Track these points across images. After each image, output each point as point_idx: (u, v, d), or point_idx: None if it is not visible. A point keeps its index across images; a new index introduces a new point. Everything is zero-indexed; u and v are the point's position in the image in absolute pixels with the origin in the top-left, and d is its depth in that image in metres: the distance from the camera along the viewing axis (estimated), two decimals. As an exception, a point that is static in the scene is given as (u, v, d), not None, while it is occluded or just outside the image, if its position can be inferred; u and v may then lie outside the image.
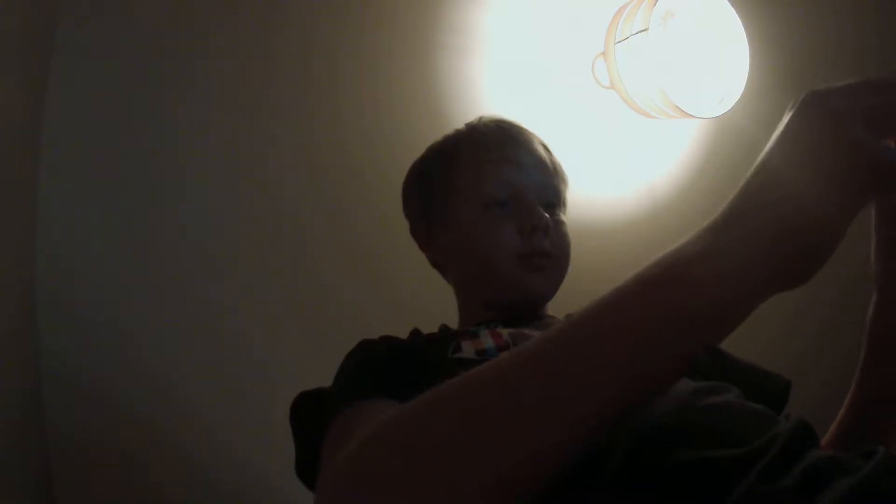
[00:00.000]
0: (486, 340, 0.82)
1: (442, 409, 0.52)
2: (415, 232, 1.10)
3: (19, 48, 1.24)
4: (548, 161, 1.03)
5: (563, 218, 1.03)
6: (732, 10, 1.69)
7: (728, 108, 1.68)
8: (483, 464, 0.49)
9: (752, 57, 1.70)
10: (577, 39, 1.73)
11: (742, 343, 1.01)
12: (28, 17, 1.26)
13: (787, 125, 0.52)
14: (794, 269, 0.48)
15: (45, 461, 1.35)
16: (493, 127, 1.05)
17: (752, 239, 0.48)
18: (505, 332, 0.84)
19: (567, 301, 1.03)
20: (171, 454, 1.44)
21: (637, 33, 1.59)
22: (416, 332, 0.95)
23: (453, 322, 1.03)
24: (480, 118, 1.09)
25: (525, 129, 1.05)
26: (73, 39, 1.37)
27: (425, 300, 1.35)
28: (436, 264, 1.09)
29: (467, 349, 0.81)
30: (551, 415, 0.49)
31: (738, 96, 1.68)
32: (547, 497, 0.57)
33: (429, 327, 0.99)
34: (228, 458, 1.46)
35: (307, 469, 0.80)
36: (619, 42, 1.65)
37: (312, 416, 0.74)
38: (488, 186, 0.97)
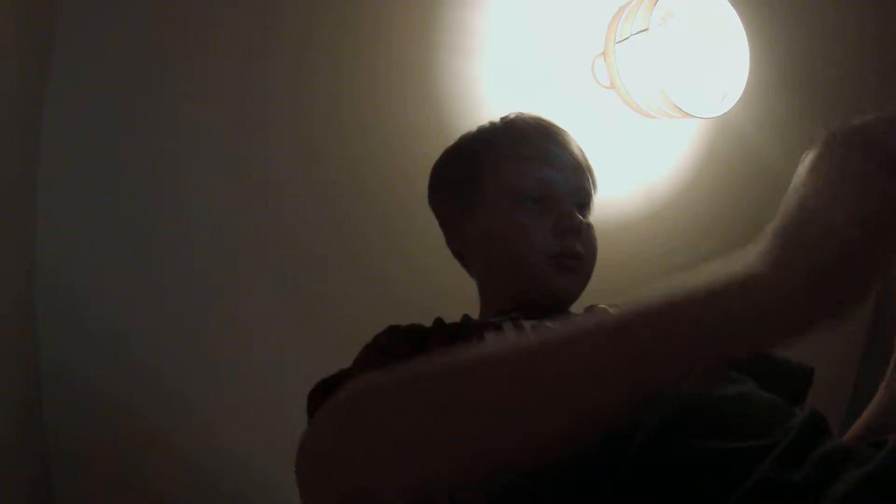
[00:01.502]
0: (510, 332, 0.82)
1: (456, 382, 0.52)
2: (442, 221, 1.09)
3: (19, 47, 1.24)
4: (583, 163, 1.03)
5: (591, 221, 1.03)
6: (732, 10, 1.68)
7: (728, 108, 1.68)
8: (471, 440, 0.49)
9: (752, 57, 1.70)
10: (576, 39, 1.73)
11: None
12: (27, 17, 1.26)
13: (814, 162, 0.49)
14: (833, 297, 0.45)
15: (44, 462, 1.35)
16: (534, 123, 1.05)
17: (792, 266, 0.46)
18: (528, 325, 0.83)
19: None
20: (170, 455, 1.44)
21: (637, 33, 1.59)
22: (439, 321, 0.94)
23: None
24: (519, 114, 1.08)
25: (564, 130, 1.05)
26: (73, 39, 1.37)
27: (427, 300, 1.35)
28: (458, 255, 1.09)
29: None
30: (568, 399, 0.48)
31: (739, 96, 1.68)
32: (566, 482, 0.58)
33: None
34: (228, 459, 1.46)
35: None
36: (619, 42, 1.65)
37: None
38: (524, 181, 0.97)
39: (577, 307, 1.01)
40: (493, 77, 1.65)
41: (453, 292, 1.07)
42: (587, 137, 1.71)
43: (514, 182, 0.98)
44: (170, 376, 1.44)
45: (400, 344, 0.84)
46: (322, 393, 0.80)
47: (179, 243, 1.45)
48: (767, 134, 1.89)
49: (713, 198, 1.87)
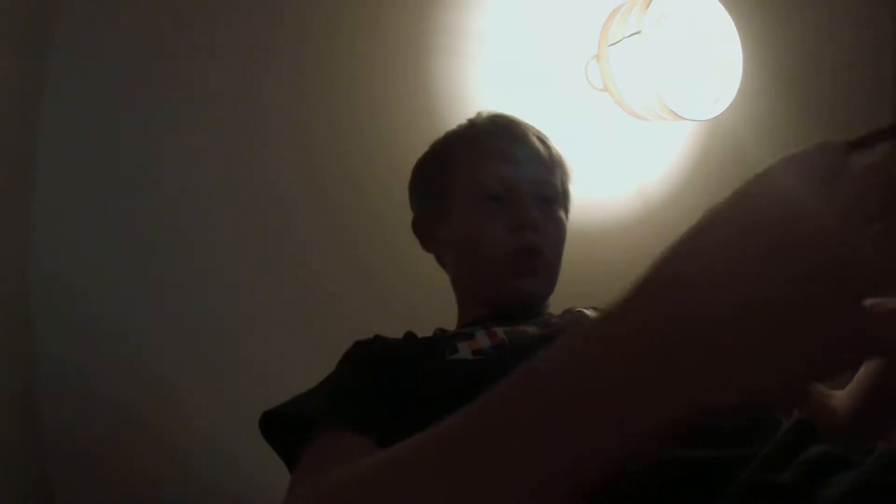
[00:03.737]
0: (483, 340, 0.82)
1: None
2: (415, 226, 1.09)
3: (17, 47, 1.24)
4: (545, 154, 1.02)
5: (562, 214, 1.02)
6: (725, 13, 1.69)
7: (721, 111, 1.68)
8: None
9: (745, 59, 1.70)
10: (570, 42, 1.73)
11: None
12: (26, 17, 1.26)
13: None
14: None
15: (42, 462, 1.35)
16: (488, 122, 1.05)
17: None
18: (501, 331, 0.83)
19: (561, 303, 1.03)
20: (167, 453, 1.43)
21: (630, 36, 1.60)
22: (410, 335, 0.94)
23: (450, 325, 1.04)
24: (479, 113, 1.08)
25: (520, 123, 1.05)
26: (72, 40, 1.37)
27: (422, 302, 1.35)
28: (439, 260, 1.09)
29: (464, 350, 0.81)
30: None
31: (732, 99, 1.69)
32: None
33: (425, 330, 0.99)
34: (225, 460, 1.46)
35: None
36: (612, 45, 1.66)
37: (286, 433, 0.74)
38: (481, 181, 0.97)
39: (556, 307, 1.01)
40: (486, 79, 1.66)
41: (448, 291, 1.07)
42: (581, 140, 1.73)
43: (473, 182, 0.98)
44: (168, 376, 1.43)
45: (358, 379, 0.81)
46: (274, 429, 0.78)
47: (174, 241, 1.45)
48: (760, 136, 1.90)
49: (706, 200, 1.83)
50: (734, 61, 1.70)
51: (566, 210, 1.06)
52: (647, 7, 1.57)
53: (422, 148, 1.13)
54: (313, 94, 1.53)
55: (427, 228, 1.07)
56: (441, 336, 0.90)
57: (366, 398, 0.76)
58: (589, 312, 0.88)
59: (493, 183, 0.97)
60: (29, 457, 1.34)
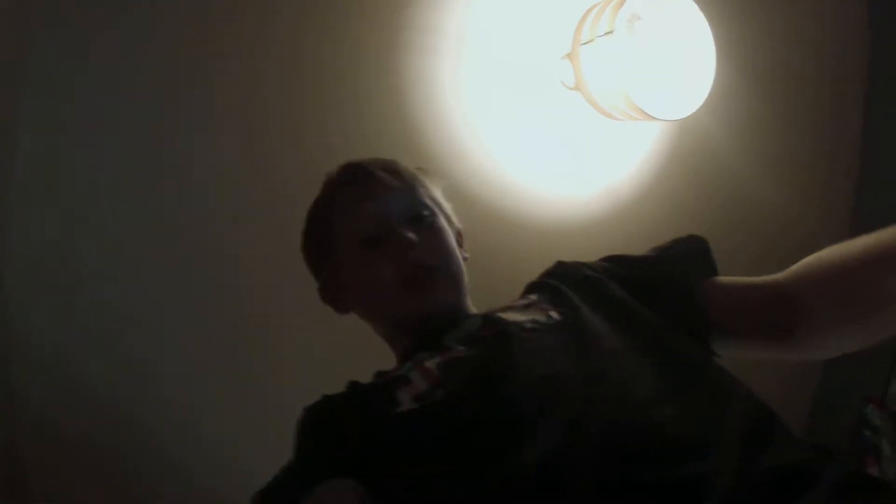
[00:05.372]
0: (420, 382, 0.82)
1: None
2: (323, 297, 1.10)
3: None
4: (395, 182, 1.03)
5: (441, 222, 1.03)
6: (700, 13, 1.69)
7: (692, 111, 1.69)
8: None
9: (717, 59, 1.71)
10: (543, 40, 1.73)
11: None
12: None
13: None
14: None
15: (19, 455, 1.32)
16: (337, 175, 1.08)
17: None
18: (433, 366, 0.83)
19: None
20: (150, 448, 1.42)
21: (603, 35, 1.60)
22: (353, 385, 0.93)
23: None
24: (329, 172, 1.10)
25: (364, 164, 1.06)
26: (58, 34, 1.35)
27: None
28: (360, 317, 1.10)
29: (404, 400, 0.80)
30: None
31: (703, 99, 1.69)
32: None
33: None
34: (210, 453, 1.44)
35: None
36: (584, 44, 1.66)
37: None
38: (352, 232, 1.00)
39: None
40: (458, 77, 1.65)
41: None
42: (551, 138, 1.72)
43: (346, 236, 1.01)
44: (155, 368, 1.42)
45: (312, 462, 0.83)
46: None
47: (159, 235, 1.44)
48: (730, 137, 1.91)
49: (675, 200, 1.88)
50: (707, 61, 1.70)
51: (446, 216, 1.07)
52: (621, 7, 1.56)
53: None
54: (282, 97, 1.51)
55: (332, 295, 1.09)
56: (381, 384, 0.89)
57: (324, 474, 0.78)
58: (505, 315, 0.89)
59: (363, 228, 0.99)
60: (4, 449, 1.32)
